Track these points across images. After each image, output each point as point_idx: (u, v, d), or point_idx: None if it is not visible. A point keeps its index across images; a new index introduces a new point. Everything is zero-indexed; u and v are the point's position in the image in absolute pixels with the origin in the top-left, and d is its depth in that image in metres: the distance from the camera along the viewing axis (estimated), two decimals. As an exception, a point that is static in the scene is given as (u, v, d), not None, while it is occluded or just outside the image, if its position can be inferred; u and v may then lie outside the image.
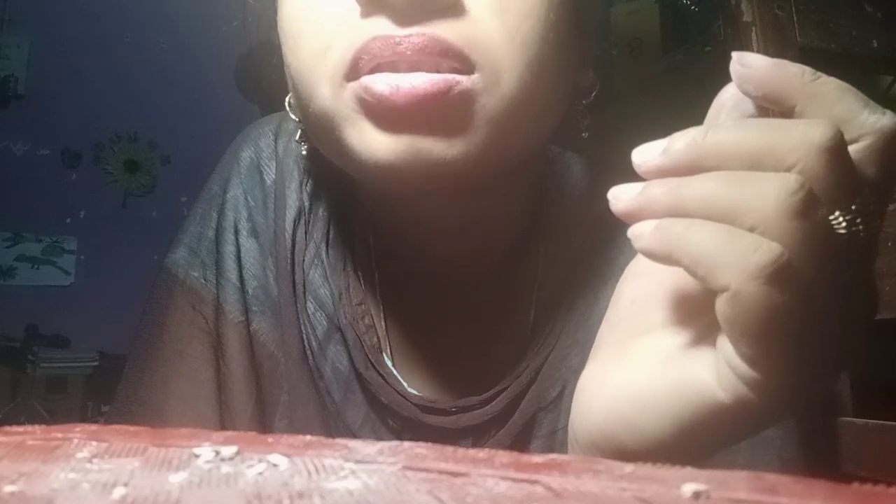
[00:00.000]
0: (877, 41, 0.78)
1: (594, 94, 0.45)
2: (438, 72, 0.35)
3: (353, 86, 0.36)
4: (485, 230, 0.46)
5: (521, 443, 0.46)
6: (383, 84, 0.34)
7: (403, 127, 0.35)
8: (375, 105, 0.35)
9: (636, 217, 0.26)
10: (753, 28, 0.73)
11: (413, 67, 0.35)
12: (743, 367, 0.24)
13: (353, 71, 0.36)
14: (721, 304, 0.24)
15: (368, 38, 0.35)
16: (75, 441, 0.21)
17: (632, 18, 1.40)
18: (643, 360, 0.29)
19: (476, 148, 0.36)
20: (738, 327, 0.24)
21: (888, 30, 0.79)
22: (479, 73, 0.35)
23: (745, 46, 0.72)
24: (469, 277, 0.47)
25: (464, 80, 0.35)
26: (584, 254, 0.48)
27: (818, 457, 0.59)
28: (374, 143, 0.36)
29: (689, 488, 0.16)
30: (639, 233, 0.25)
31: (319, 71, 0.37)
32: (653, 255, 0.25)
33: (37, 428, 0.23)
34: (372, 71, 0.35)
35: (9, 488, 0.16)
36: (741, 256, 0.23)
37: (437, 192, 0.40)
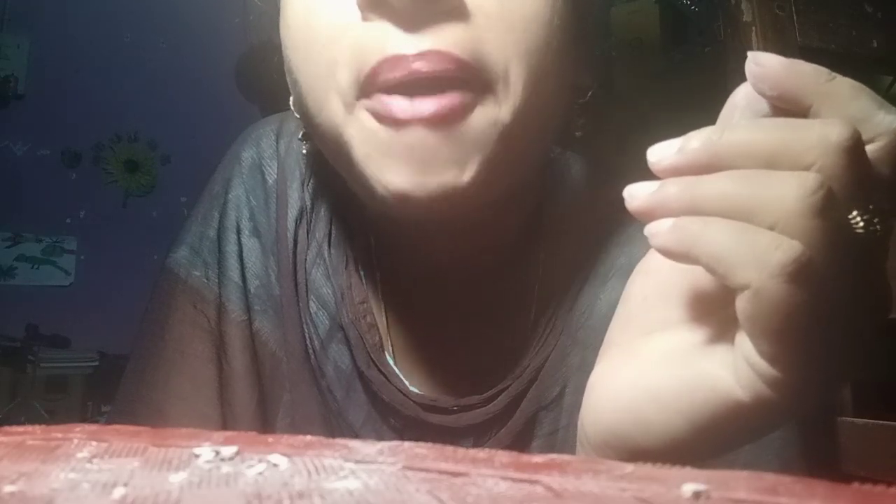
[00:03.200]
0: (877, 41, 0.78)
1: (590, 93, 0.45)
2: (443, 89, 0.35)
3: (367, 103, 0.36)
4: (486, 231, 0.46)
5: (521, 442, 0.46)
6: (398, 106, 0.34)
7: (416, 153, 0.35)
8: (390, 124, 0.35)
9: (652, 215, 0.26)
10: (753, 28, 0.73)
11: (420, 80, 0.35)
12: (762, 365, 0.24)
13: (367, 88, 0.35)
14: (741, 302, 0.23)
15: (380, 59, 0.34)
16: (75, 441, 0.21)
17: (632, 18, 1.40)
18: (657, 357, 0.28)
19: (485, 170, 0.36)
20: (758, 325, 0.23)
21: (888, 30, 0.79)
22: (485, 91, 0.36)
23: (745, 46, 0.72)
24: (470, 277, 0.47)
25: (469, 98, 0.35)
26: (585, 254, 0.48)
27: (818, 457, 0.59)
28: (387, 173, 0.36)
29: (689, 488, 0.16)
30: (655, 231, 0.25)
31: (329, 85, 0.37)
32: (670, 254, 0.25)
33: (37, 428, 0.23)
34: (385, 90, 0.35)
35: (9, 488, 0.16)
36: (762, 254, 0.23)
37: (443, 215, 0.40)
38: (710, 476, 0.17)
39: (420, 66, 0.34)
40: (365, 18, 0.36)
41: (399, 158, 0.35)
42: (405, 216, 0.40)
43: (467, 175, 0.36)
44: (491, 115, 0.36)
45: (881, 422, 0.59)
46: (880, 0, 0.79)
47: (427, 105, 0.34)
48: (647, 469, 0.18)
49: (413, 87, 0.35)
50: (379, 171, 0.36)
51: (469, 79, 0.35)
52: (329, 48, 0.37)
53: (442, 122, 0.34)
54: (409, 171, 0.35)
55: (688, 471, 0.18)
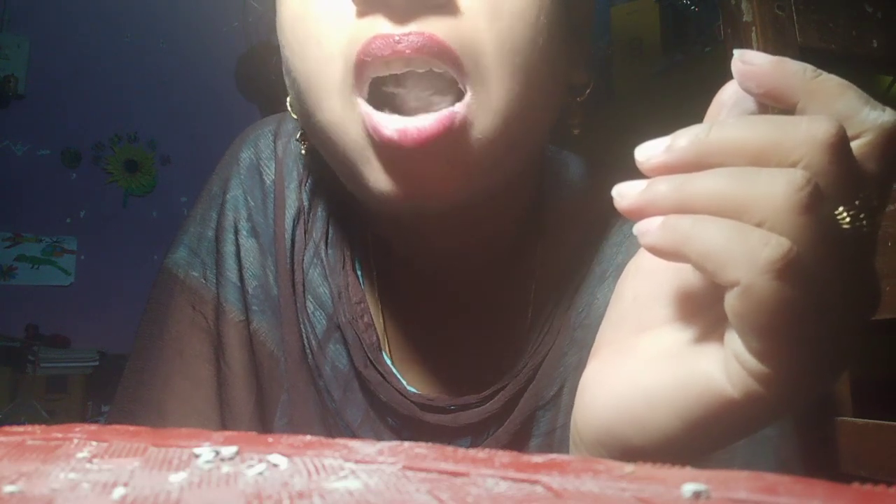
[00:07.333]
0: (877, 41, 0.78)
1: (588, 91, 0.45)
2: (436, 103, 0.36)
3: (363, 109, 0.36)
4: (483, 230, 0.46)
5: (519, 441, 0.46)
6: (391, 130, 0.35)
7: (410, 166, 0.36)
8: (383, 146, 0.36)
9: (641, 214, 0.26)
10: (753, 28, 0.73)
11: (407, 65, 0.36)
12: (752, 362, 0.24)
13: (360, 77, 0.36)
14: (731, 299, 0.24)
15: (370, 37, 0.35)
16: (75, 441, 0.21)
17: (632, 18, 1.40)
18: (648, 356, 0.29)
19: (477, 172, 0.38)
20: (748, 322, 0.24)
21: (888, 30, 0.79)
22: (471, 91, 0.36)
23: (744, 46, 0.72)
24: (467, 276, 0.47)
25: (461, 109, 0.36)
26: (582, 252, 0.48)
27: (817, 456, 0.59)
28: (381, 180, 0.37)
29: (689, 488, 0.16)
30: (645, 229, 0.25)
31: (327, 82, 0.37)
32: (660, 252, 0.25)
33: (37, 428, 0.23)
34: (376, 98, 0.36)
35: (9, 488, 0.16)
36: (751, 251, 0.23)
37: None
38: (710, 476, 0.17)
39: (404, 47, 0.35)
40: (359, 14, 0.36)
41: (390, 163, 0.37)
42: (396, 211, 0.41)
43: (456, 173, 0.37)
44: (477, 113, 0.36)
45: (881, 422, 0.58)
46: (880, 0, 0.79)
47: (420, 122, 0.35)
48: (647, 469, 0.18)
49: (395, 64, 0.35)
50: (370, 170, 0.38)
51: (452, 69, 0.36)
52: (324, 44, 0.37)
53: (436, 137, 0.35)
54: (399, 173, 0.37)
55: (688, 471, 0.18)
